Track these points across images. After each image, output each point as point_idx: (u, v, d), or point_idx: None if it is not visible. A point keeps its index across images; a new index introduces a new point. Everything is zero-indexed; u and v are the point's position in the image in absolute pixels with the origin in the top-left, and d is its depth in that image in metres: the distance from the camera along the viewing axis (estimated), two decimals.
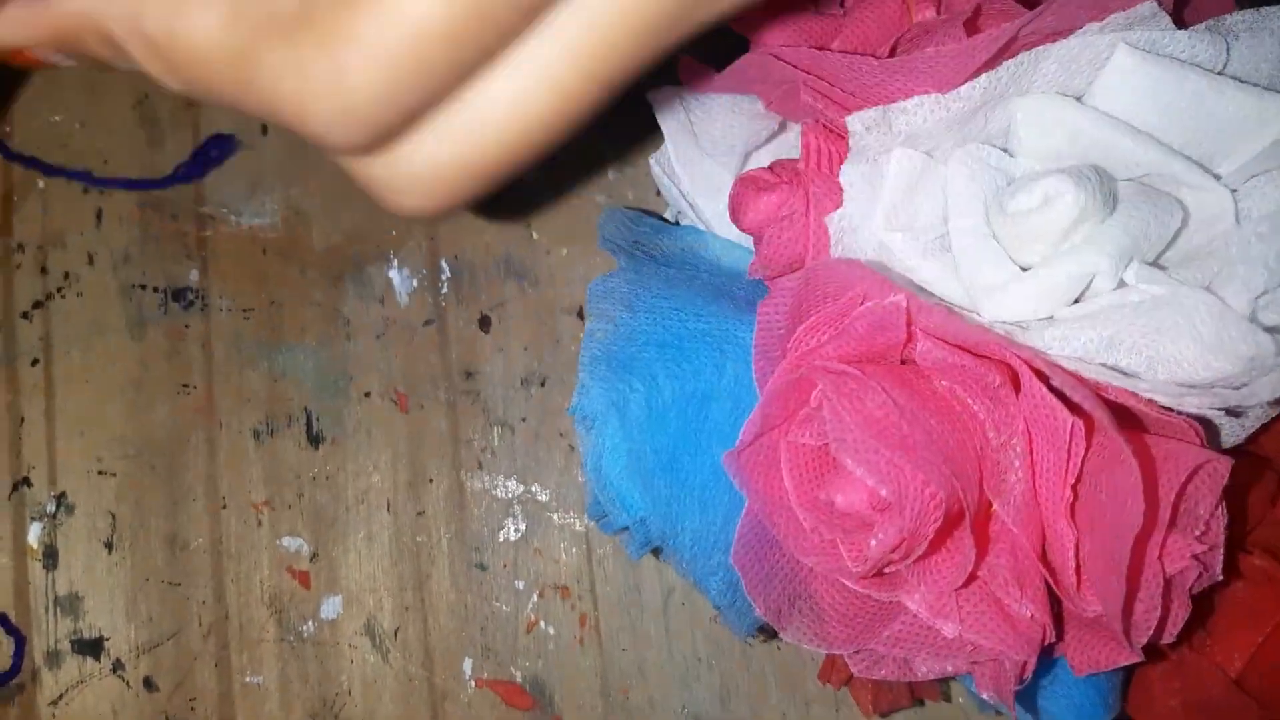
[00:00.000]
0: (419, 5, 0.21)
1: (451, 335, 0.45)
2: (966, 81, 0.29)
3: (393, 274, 0.45)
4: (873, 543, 0.28)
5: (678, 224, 0.40)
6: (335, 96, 0.22)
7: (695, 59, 0.38)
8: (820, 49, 0.35)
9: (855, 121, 0.29)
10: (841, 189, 0.31)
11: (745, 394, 0.31)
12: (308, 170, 0.45)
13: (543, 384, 0.44)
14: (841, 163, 0.32)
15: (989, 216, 0.30)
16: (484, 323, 0.45)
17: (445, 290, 0.45)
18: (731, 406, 0.31)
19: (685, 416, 0.31)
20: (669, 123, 0.37)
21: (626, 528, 0.36)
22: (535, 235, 0.45)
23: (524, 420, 0.44)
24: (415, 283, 0.45)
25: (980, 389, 0.28)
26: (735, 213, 0.33)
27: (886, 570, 0.30)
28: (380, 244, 0.45)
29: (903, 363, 0.31)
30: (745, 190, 0.33)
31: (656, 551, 0.40)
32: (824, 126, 0.32)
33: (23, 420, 0.44)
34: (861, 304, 0.28)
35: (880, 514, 0.28)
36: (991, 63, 0.29)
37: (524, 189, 0.46)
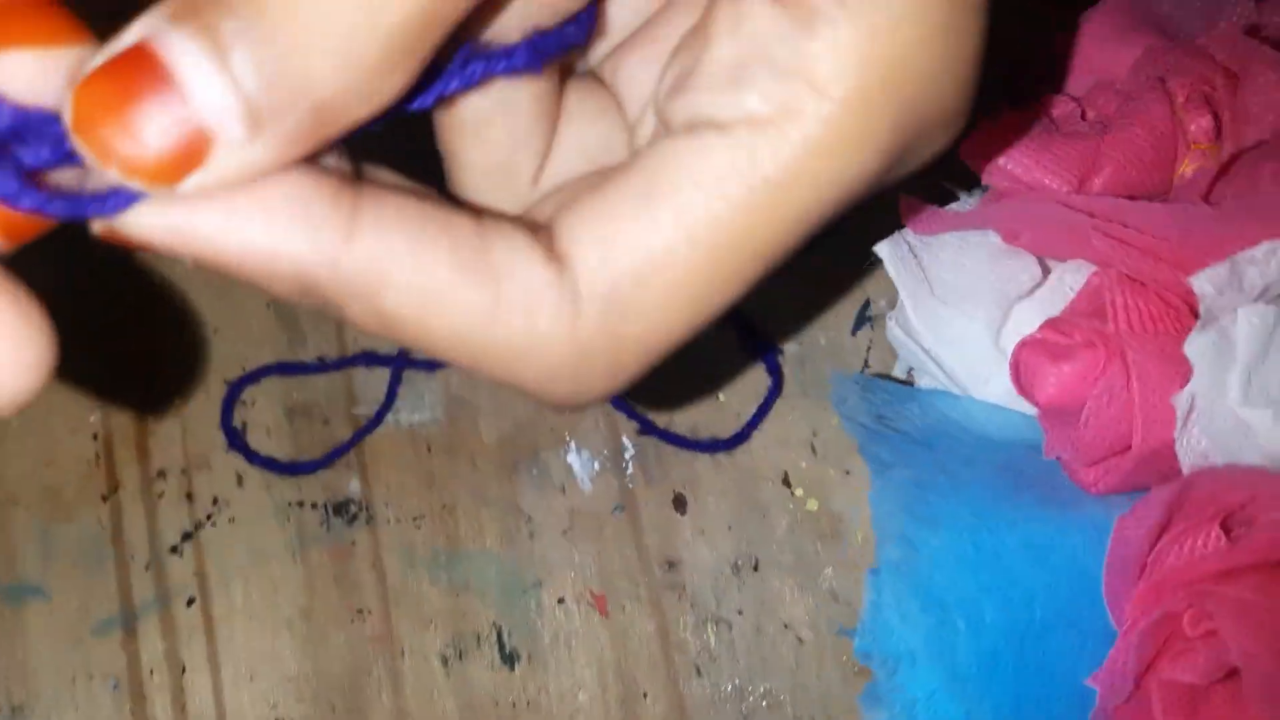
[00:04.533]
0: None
1: (645, 521, 0.40)
2: None
3: (572, 459, 0.40)
4: None
5: (912, 384, 0.35)
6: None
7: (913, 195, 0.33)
8: (1086, 177, 0.30)
9: (1204, 283, 0.24)
10: (1167, 352, 0.26)
11: (1084, 618, 0.25)
12: None
13: (755, 567, 0.39)
14: (1150, 318, 0.27)
15: None
16: (679, 503, 0.40)
17: (630, 470, 0.40)
18: (1075, 637, 0.25)
19: (1023, 659, 0.25)
20: (902, 275, 0.32)
21: None
22: (722, 398, 0.40)
23: (740, 613, 0.39)
24: (597, 465, 0.40)
25: None
26: (1027, 384, 0.28)
27: None
28: (554, 427, 0.40)
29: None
30: (1037, 358, 0.28)
31: None
32: (1125, 276, 0.27)
33: (184, 669, 0.39)
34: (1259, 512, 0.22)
35: None
36: None
37: (702, 348, 0.41)
